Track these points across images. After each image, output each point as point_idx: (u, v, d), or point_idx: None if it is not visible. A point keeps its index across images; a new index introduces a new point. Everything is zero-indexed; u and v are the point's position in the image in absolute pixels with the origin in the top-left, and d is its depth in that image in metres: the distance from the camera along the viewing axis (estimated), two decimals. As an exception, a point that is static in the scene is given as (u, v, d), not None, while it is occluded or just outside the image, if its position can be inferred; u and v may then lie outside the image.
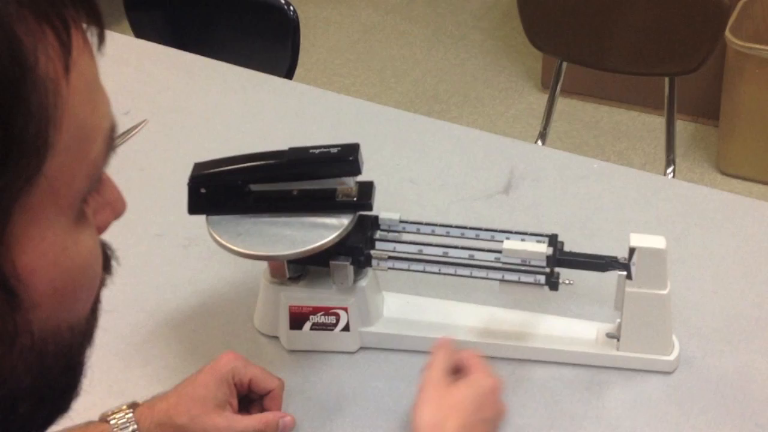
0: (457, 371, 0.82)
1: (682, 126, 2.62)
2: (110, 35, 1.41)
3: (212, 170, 0.90)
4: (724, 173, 2.48)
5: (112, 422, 0.80)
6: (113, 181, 0.49)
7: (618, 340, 0.91)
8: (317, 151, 0.86)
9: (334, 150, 0.86)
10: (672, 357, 0.91)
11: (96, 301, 0.48)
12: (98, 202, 0.46)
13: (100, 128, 0.42)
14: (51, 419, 0.47)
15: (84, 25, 0.42)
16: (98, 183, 0.44)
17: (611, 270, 0.87)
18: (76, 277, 0.43)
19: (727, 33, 2.17)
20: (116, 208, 0.49)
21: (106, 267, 0.49)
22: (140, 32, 1.82)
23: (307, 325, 0.94)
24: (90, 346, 0.48)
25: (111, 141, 0.44)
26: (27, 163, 0.37)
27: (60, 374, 0.45)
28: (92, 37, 0.43)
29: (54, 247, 0.40)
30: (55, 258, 0.41)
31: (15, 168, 0.37)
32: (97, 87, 0.42)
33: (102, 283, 0.48)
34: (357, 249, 0.90)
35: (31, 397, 0.43)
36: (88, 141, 0.41)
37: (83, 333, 0.46)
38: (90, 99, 0.41)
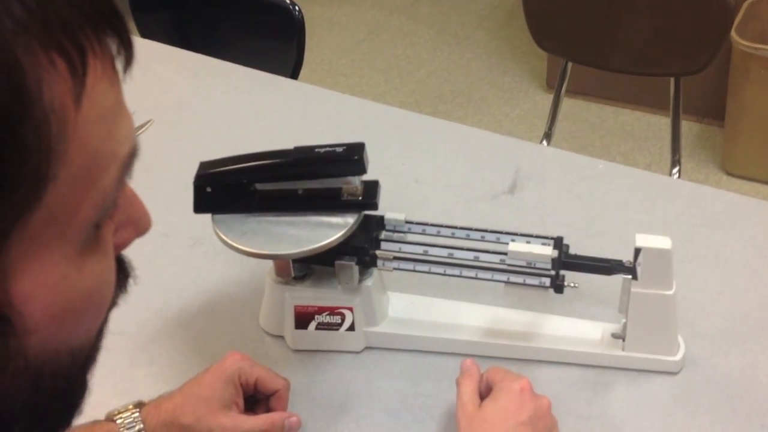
0: (487, 390, 0.82)
1: (687, 126, 2.62)
2: (116, 35, 1.38)
3: (218, 169, 0.90)
4: (729, 174, 2.47)
5: (119, 421, 0.80)
6: (139, 198, 0.47)
7: (623, 340, 0.91)
8: (322, 150, 0.87)
9: (340, 149, 0.86)
10: (677, 357, 0.91)
11: (103, 322, 0.47)
12: (121, 220, 0.45)
13: (115, 155, 0.40)
14: None
15: (110, 48, 0.39)
16: (113, 208, 0.42)
17: (616, 273, 0.87)
18: (77, 304, 0.41)
19: (733, 33, 2.17)
20: (140, 226, 0.47)
21: (123, 285, 0.48)
22: (146, 32, 1.82)
23: (313, 325, 0.94)
24: (93, 367, 0.47)
25: (128, 166, 0.42)
26: (23, 196, 0.36)
27: (58, 395, 0.44)
28: (118, 59, 0.41)
29: (53, 275, 0.39)
30: (54, 286, 0.39)
31: (10, 201, 0.35)
32: (116, 113, 0.40)
33: (114, 303, 0.47)
34: (362, 249, 0.90)
35: (26, 417, 0.42)
36: (99, 169, 0.39)
37: (86, 356, 0.45)
38: (105, 127, 0.39)
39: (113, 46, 0.40)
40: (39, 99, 0.35)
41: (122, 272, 0.48)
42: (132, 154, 0.42)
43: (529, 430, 0.77)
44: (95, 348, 0.47)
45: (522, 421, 0.77)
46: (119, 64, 0.41)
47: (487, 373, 0.84)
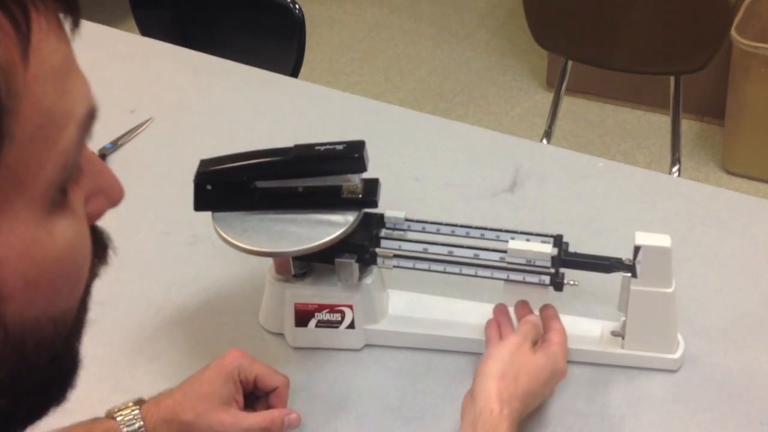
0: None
1: (687, 125, 2.62)
2: (116, 33, 1.41)
3: (218, 167, 0.90)
4: (729, 172, 2.48)
5: (119, 419, 0.80)
6: (109, 168, 0.47)
7: (623, 338, 0.91)
8: (323, 148, 0.87)
9: (340, 147, 0.86)
10: (677, 355, 0.91)
11: (86, 293, 0.47)
12: (90, 189, 0.45)
13: (71, 114, 0.40)
14: (39, 412, 0.46)
15: (54, 6, 0.40)
16: (77, 170, 0.43)
17: (616, 271, 0.87)
18: (51, 268, 0.41)
19: (733, 32, 2.17)
20: (111, 195, 0.47)
21: (102, 256, 0.48)
22: (146, 30, 1.82)
23: (312, 323, 0.95)
24: (80, 337, 0.47)
25: (87, 127, 0.42)
26: None
27: (44, 367, 0.44)
28: (65, 20, 0.41)
29: (23, 238, 0.39)
30: (24, 250, 0.39)
31: None
32: (67, 71, 0.41)
33: (94, 273, 0.47)
34: (362, 247, 0.90)
35: (11, 391, 0.42)
36: (56, 129, 0.39)
37: (70, 325, 0.45)
38: (57, 85, 0.39)
39: (59, 10, 0.41)
40: None
41: (100, 243, 0.48)
42: (90, 115, 0.42)
43: (539, 400, 0.85)
44: (80, 319, 0.47)
45: (543, 394, 0.85)
46: (67, 26, 0.41)
47: (555, 331, 0.88)
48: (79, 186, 0.44)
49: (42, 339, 0.42)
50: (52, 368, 0.45)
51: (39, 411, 0.46)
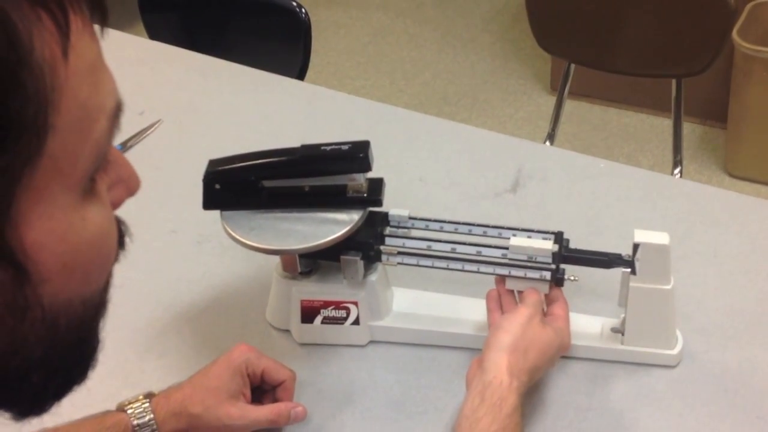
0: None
1: (690, 128, 2.63)
2: (125, 37, 1.43)
3: (227, 166, 0.92)
4: (732, 175, 2.49)
5: (129, 412, 0.82)
6: (127, 159, 0.50)
7: (622, 334, 0.93)
8: (329, 148, 0.88)
9: (345, 147, 0.88)
10: (675, 351, 0.92)
11: (108, 276, 0.50)
12: (112, 179, 0.48)
13: (103, 107, 0.43)
14: (66, 389, 0.49)
15: (85, 7, 0.43)
16: (105, 161, 0.45)
17: (615, 267, 0.88)
18: (85, 252, 0.44)
19: (735, 35, 2.18)
20: (130, 185, 0.51)
21: (120, 243, 0.51)
22: (155, 34, 1.84)
23: (318, 319, 0.96)
24: (103, 318, 0.50)
25: (115, 120, 0.45)
26: (27, 143, 0.39)
27: (73, 346, 0.47)
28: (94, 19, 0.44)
29: (61, 223, 0.42)
30: (62, 234, 0.42)
31: (15, 148, 0.38)
32: (98, 67, 0.43)
33: (115, 259, 0.50)
34: (367, 244, 0.92)
35: (44, 368, 0.45)
36: (90, 120, 0.42)
37: (96, 306, 0.48)
38: (91, 80, 0.42)
39: (92, 14, 0.44)
40: (32, 50, 0.38)
41: (118, 231, 0.51)
42: (117, 108, 0.45)
43: (542, 373, 0.87)
44: (103, 300, 0.50)
45: (546, 368, 0.87)
46: (96, 26, 0.44)
47: (560, 304, 0.90)
48: (106, 175, 0.47)
49: (73, 319, 0.45)
50: (78, 347, 0.48)
51: (65, 388, 0.49)
